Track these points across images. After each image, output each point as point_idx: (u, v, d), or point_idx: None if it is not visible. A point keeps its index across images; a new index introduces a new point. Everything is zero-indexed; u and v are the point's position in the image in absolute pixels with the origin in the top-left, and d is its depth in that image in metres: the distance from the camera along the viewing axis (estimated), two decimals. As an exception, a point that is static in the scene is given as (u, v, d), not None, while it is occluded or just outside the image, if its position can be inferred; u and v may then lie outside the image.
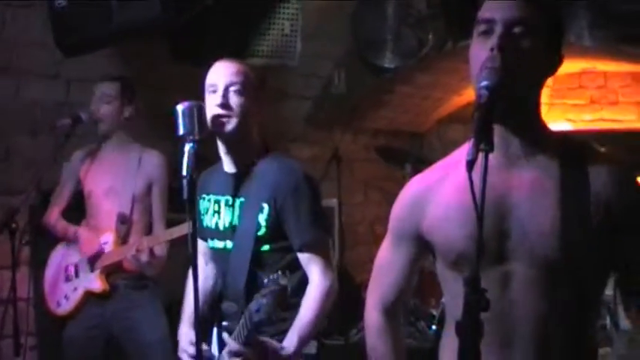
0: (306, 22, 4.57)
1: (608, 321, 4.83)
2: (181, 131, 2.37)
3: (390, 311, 2.06)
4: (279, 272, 2.35)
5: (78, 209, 4.04)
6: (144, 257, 3.66)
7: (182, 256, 4.20)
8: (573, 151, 1.79)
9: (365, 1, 4.88)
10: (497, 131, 1.64)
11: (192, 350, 2.64)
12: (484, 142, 1.50)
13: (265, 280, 2.36)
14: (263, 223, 2.58)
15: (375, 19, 4.82)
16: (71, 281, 3.92)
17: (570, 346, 1.78)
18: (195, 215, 2.40)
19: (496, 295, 1.50)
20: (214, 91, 2.62)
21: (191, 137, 2.35)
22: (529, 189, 1.74)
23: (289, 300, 2.41)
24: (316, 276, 2.59)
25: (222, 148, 2.69)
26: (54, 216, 4.02)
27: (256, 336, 2.41)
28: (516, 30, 1.71)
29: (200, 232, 2.72)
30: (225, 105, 2.58)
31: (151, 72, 4.65)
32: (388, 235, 2.04)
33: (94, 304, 3.87)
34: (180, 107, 2.38)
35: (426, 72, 5.56)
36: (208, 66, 2.71)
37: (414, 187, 1.96)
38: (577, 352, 1.81)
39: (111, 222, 3.88)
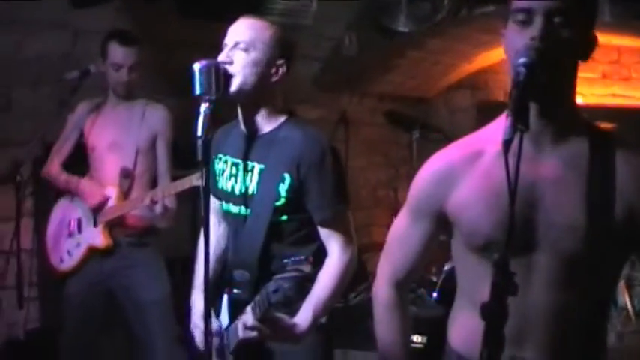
0: (321, -19, 4.48)
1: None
2: (197, 91, 2.29)
3: (401, 285, 2.06)
4: (303, 257, 2.27)
5: (81, 163, 3.98)
6: (159, 208, 3.62)
7: (186, 211, 4.21)
8: (601, 141, 1.77)
9: (380, -37, 4.78)
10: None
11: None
12: (520, 121, 1.46)
13: (286, 260, 2.28)
14: (283, 193, 2.47)
15: (390, -18, 4.72)
16: (74, 237, 3.88)
17: (584, 337, 1.81)
18: (208, 178, 2.31)
19: (518, 283, 1.48)
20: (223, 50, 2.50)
21: (207, 97, 2.28)
22: (555, 180, 1.74)
23: (310, 287, 2.39)
24: (335, 251, 2.52)
25: (239, 110, 2.56)
26: (55, 168, 3.96)
27: (272, 313, 2.34)
28: (556, 20, 1.67)
29: (214, 192, 2.64)
30: (228, 64, 2.42)
31: (159, 26, 4.57)
32: (406, 209, 2.01)
33: (95, 260, 3.84)
34: (197, 66, 2.30)
35: (439, 37, 5.48)
36: (228, 22, 2.58)
37: (439, 163, 1.92)
38: (590, 343, 1.83)
39: (114, 176, 3.84)
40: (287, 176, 2.46)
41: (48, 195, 4.22)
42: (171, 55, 4.72)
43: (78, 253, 3.84)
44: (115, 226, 3.82)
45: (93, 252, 3.83)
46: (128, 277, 3.87)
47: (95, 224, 3.81)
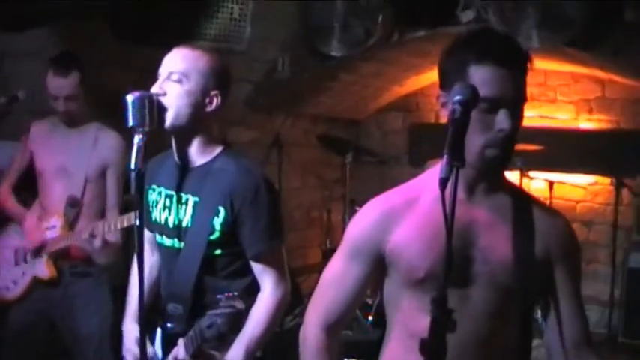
0: (255, 5, 4.48)
1: (538, 314, 4.94)
2: (131, 123, 2.23)
3: (332, 329, 2.02)
4: (236, 293, 2.26)
5: (31, 188, 3.85)
6: (97, 242, 3.49)
7: (123, 242, 4.13)
8: (522, 198, 1.96)
9: (314, -13, 4.82)
10: (466, 176, 1.79)
11: (136, 350, 2.53)
12: (456, 158, 1.49)
13: (219, 296, 2.27)
14: (218, 227, 2.41)
15: (324, 7, 4.76)
16: (20, 265, 3.77)
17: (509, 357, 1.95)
18: (142, 210, 2.26)
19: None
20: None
21: (141, 129, 2.22)
22: (488, 222, 1.87)
23: (243, 323, 2.36)
24: (268, 287, 2.48)
25: (173, 140, 2.50)
26: (4, 193, 3.85)
27: (205, 349, 2.32)
28: (517, 108, 1.79)
29: (148, 224, 2.58)
30: (161, 95, 2.37)
31: (90, 50, 4.50)
32: (342, 251, 2.01)
33: (38, 289, 3.74)
34: (130, 97, 2.24)
35: (371, 61, 5.55)
36: (161, 46, 2.53)
37: (379, 207, 1.95)
38: None
39: (60, 203, 3.70)
40: (221, 209, 2.41)
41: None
42: (102, 77, 4.65)
43: (23, 283, 3.74)
44: (59, 256, 3.70)
45: (37, 282, 3.72)
46: (68, 308, 3.77)
47: (40, 255, 3.71)
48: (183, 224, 2.48)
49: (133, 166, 2.18)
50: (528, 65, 1.81)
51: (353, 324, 4.80)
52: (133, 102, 2.24)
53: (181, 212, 2.49)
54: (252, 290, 2.48)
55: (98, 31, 4.34)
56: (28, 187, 3.87)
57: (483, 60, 1.74)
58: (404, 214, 1.89)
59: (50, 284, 3.72)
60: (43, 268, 3.69)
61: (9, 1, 3.50)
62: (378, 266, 1.94)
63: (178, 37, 3.82)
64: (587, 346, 1.96)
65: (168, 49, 2.52)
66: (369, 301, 4.95)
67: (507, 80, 1.74)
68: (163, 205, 2.54)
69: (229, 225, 2.42)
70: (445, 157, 1.49)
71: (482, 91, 1.68)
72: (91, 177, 3.73)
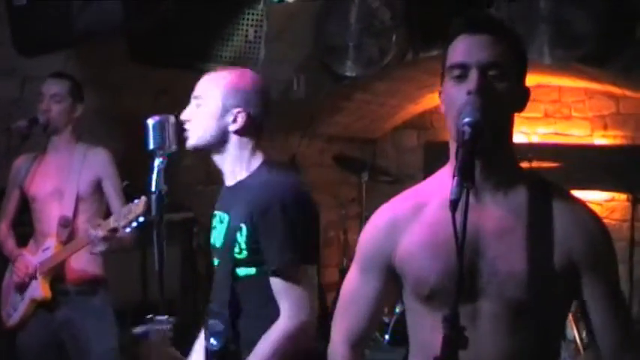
0: (269, 27, 4.52)
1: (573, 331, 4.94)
2: (151, 146, 2.31)
3: (357, 344, 2.02)
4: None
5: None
6: (100, 247, 3.45)
7: (136, 261, 4.18)
8: (540, 190, 1.82)
9: (328, 8, 4.86)
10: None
11: None
12: (467, 179, 1.50)
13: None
14: (243, 245, 2.39)
15: (338, 27, 4.80)
16: (18, 292, 3.80)
17: None
18: (162, 231, 2.30)
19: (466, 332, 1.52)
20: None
21: (161, 152, 2.30)
22: (498, 229, 1.77)
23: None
24: (283, 314, 2.35)
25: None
26: (3, 231, 3.91)
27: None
28: (491, 73, 1.73)
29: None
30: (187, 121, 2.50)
31: (108, 72, 4.57)
32: (355, 265, 1.99)
33: (45, 311, 3.76)
34: (150, 121, 2.32)
35: (385, 80, 5.59)
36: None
37: (384, 216, 1.93)
38: None
39: (55, 226, 3.75)
40: (243, 226, 2.40)
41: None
42: (120, 99, 4.72)
43: (22, 308, 3.76)
44: (59, 277, 3.74)
45: (36, 304, 3.74)
46: (76, 327, 3.79)
47: (36, 277, 3.73)
48: (220, 243, 2.53)
49: (153, 188, 2.25)
50: (503, 31, 1.78)
51: (370, 343, 4.79)
52: (154, 125, 2.33)
53: (221, 231, 2.53)
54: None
55: (115, 53, 4.40)
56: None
57: (456, 34, 1.78)
58: (410, 221, 1.85)
59: (56, 305, 3.74)
60: (38, 290, 3.71)
61: (26, 26, 3.57)
62: (391, 277, 1.90)
63: (194, 59, 3.88)
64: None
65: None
66: (386, 320, 4.94)
67: (473, 44, 1.74)
68: (213, 227, 2.59)
69: (254, 241, 2.38)
70: (455, 179, 1.50)
71: (450, 60, 1.75)
72: (83, 194, 3.78)
